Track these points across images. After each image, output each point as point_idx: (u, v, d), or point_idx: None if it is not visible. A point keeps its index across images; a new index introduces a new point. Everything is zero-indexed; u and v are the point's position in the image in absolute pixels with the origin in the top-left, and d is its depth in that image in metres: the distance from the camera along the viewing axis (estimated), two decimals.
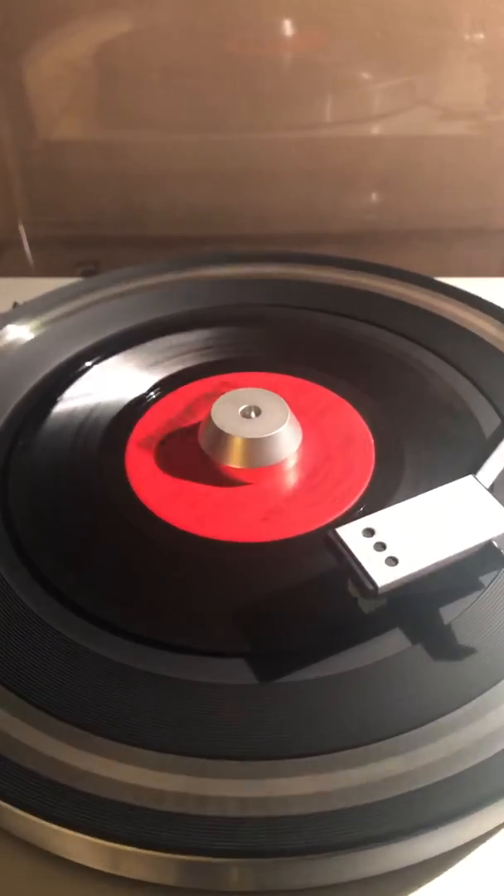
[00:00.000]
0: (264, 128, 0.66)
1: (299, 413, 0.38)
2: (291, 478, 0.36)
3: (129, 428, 0.39)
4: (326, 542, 0.29)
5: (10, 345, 0.45)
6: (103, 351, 0.44)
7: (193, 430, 0.38)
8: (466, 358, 0.43)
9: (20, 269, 0.71)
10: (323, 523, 0.34)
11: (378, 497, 0.35)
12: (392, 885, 0.25)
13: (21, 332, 0.46)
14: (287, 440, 0.36)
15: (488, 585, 0.31)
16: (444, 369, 0.42)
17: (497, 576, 0.31)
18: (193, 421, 0.39)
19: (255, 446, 0.36)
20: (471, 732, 0.26)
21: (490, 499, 0.30)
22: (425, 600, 0.30)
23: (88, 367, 0.43)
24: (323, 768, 0.25)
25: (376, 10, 0.59)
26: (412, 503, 0.30)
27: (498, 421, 0.39)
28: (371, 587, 0.27)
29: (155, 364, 0.44)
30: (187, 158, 0.67)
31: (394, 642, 0.29)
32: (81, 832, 0.24)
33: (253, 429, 0.36)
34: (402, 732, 0.26)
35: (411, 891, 0.25)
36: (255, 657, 0.28)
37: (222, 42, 0.61)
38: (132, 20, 0.61)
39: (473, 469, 0.34)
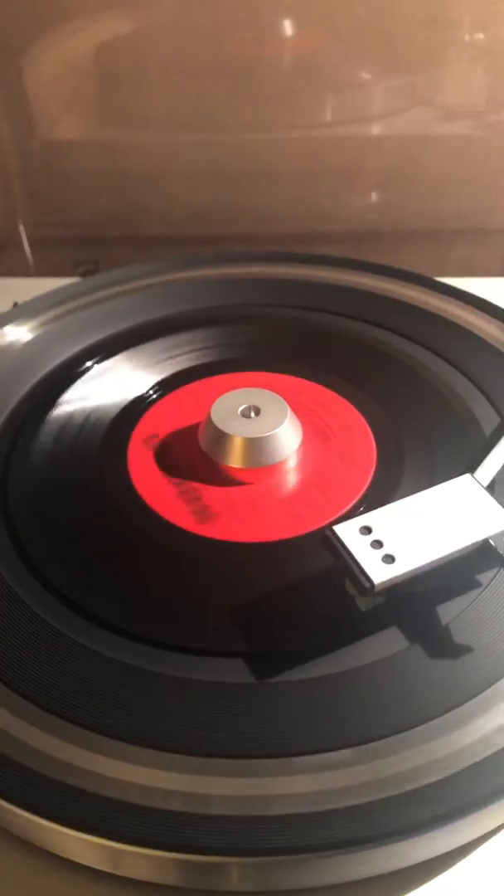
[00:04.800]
0: (264, 128, 0.66)
1: (299, 413, 0.38)
2: (291, 477, 0.36)
3: (130, 428, 0.39)
4: (324, 541, 0.29)
5: (10, 345, 0.45)
6: (103, 351, 0.44)
7: (193, 429, 0.38)
8: (466, 358, 0.43)
9: (20, 269, 0.71)
10: (323, 523, 0.34)
11: (378, 496, 0.35)
12: (392, 885, 0.25)
13: (21, 332, 0.46)
14: (287, 440, 0.36)
15: (487, 585, 0.31)
16: (444, 369, 0.42)
17: (495, 575, 0.31)
18: (193, 420, 0.39)
19: (254, 446, 0.36)
20: (470, 732, 0.26)
21: (487, 497, 0.30)
22: (424, 600, 0.30)
23: (88, 367, 0.43)
24: (322, 767, 0.25)
25: (376, 11, 0.59)
26: (409, 501, 0.30)
27: (497, 420, 0.39)
28: (367, 585, 0.27)
29: (155, 364, 0.44)
30: (187, 158, 0.67)
31: (393, 642, 0.29)
32: (82, 832, 0.24)
33: (252, 428, 0.36)
34: (401, 731, 0.26)
35: (411, 891, 0.25)
36: (254, 656, 0.28)
37: (222, 42, 0.61)
38: (132, 20, 0.61)
39: (474, 469, 0.34)
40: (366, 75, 0.64)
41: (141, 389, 0.42)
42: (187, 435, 0.38)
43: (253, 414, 0.37)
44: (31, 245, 0.71)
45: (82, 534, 0.34)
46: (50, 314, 0.48)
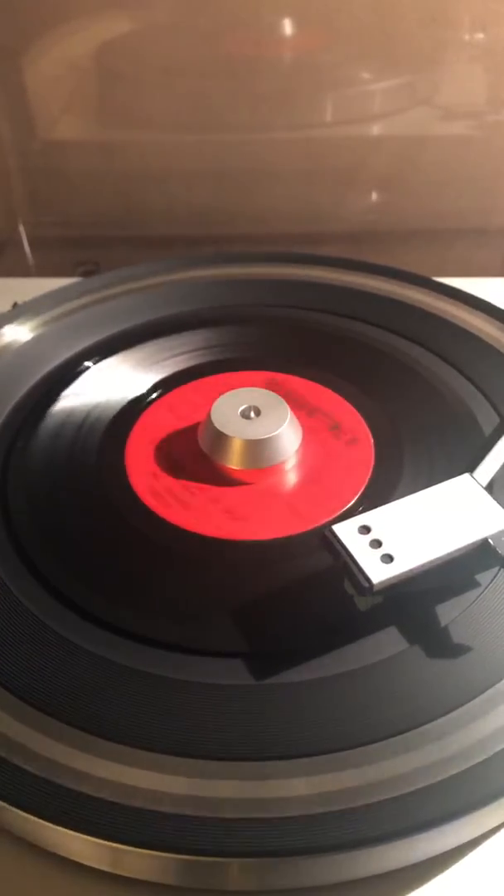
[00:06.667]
0: (264, 128, 0.66)
1: (299, 413, 0.38)
2: (291, 478, 0.36)
3: (129, 428, 0.39)
4: (323, 540, 0.29)
5: (10, 345, 0.45)
6: (103, 351, 0.44)
7: (193, 430, 0.38)
8: (466, 358, 0.43)
9: (20, 269, 0.71)
10: (322, 522, 0.34)
11: (378, 496, 0.35)
12: (392, 885, 0.25)
13: (21, 332, 0.46)
14: (286, 441, 0.36)
15: (487, 585, 0.31)
16: (443, 369, 0.42)
17: (495, 575, 0.31)
18: (193, 420, 0.39)
19: (254, 448, 0.36)
20: (470, 732, 0.26)
21: (486, 497, 0.30)
22: (423, 600, 0.30)
23: (88, 367, 0.43)
24: (322, 768, 0.25)
25: (376, 10, 0.59)
26: (408, 501, 0.30)
27: (496, 420, 0.39)
28: (366, 584, 0.27)
29: (155, 364, 0.44)
30: (187, 158, 0.67)
31: (392, 642, 0.29)
32: (81, 832, 0.24)
33: (252, 429, 0.36)
34: (401, 732, 0.26)
35: (411, 891, 0.25)
36: (253, 657, 0.28)
37: (222, 42, 0.61)
38: (132, 20, 0.61)
39: (473, 468, 0.34)
40: (366, 75, 0.63)
41: (141, 389, 0.42)
42: (187, 435, 0.38)
43: (253, 414, 0.37)
44: (31, 245, 0.71)
45: (81, 534, 0.34)
46: (50, 314, 0.48)
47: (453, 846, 0.25)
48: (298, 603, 0.31)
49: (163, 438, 0.39)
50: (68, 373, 0.43)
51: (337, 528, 0.29)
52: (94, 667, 0.28)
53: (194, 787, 0.25)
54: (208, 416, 0.37)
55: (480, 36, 0.60)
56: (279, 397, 0.38)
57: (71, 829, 0.24)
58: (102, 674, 0.28)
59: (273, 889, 0.25)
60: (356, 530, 0.29)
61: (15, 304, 0.49)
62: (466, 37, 0.60)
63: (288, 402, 0.37)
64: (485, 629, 0.29)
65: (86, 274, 0.64)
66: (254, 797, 0.24)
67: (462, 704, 0.27)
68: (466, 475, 0.31)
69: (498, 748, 0.25)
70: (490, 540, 0.29)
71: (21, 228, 0.70)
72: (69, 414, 0.40)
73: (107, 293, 0.50)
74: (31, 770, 0.25)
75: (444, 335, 0.45)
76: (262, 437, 0.36)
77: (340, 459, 0.37)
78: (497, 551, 0.29)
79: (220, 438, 0.36)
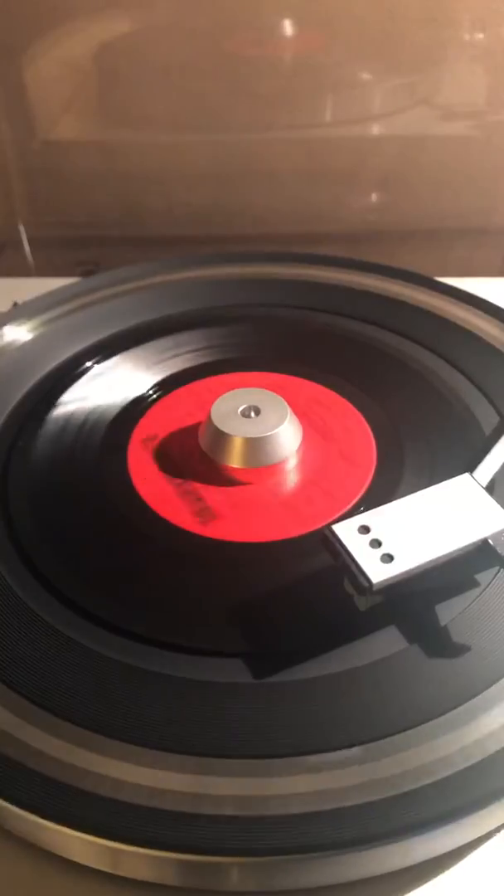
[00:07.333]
0: (264, 128, 0.66)
1: (299, 413, 0.38)
2: (292, 477, 0.36)
3: (130, 428, 0.39)
4: (323, 540, 0.29)
5: (10, 345, 0.45)
6: (103, 351, 0.44)
7: (194, 429, 0.38)
8: (466, 358, 0.43)
9: (20, 269, 0.71)
10: (323, 522, 0.33)
11: (378, 496, 0.35)
12: (392, 885, 0.25)
13: (21, 332, 0.46)
14: (286, 439, 0.36)
15: (487, 585, 0.31)
16: (444, 369, 0.42)
17: (495, 575, 0.31)
18: (193, 421, 0.39)
19: (254, 446, 0.36)
20: (469, 732, 0.26)
21: (486, 497, 0.30)
22: (423, 600, 0.30)
23: (89, 367, 0.43)
24: (321, 768, 0.25)
25: (376, 11, 0.59)
26: (408, 500, 0.30)
27: (497, 420, 0.39)
28: (366, 584, 0.27)
29: (155, 364, 0.44)
30: (187, 158, 0.67)
31: (392, 642, 0.29)
32: (81, 831, 0.24)
33: (252, 428, 0.36)
34: (400, 731, 0.26)
35: (411, 891, 0.25)
36: (253, 656, 0.28)
37: (222, 42, 0.61)
38: (132, 20, 0.61)
39: (473, 468, 0.34)
40: (366, 75, 0.64)
41: (141, 389, 0.42)
42: (187, 435, 0.38)
43: (253, 414, 0.37)
44: (31, 245, 0.71)
45: (82, 534, 0.34)
46: (50, 314, 0.48)
47: (453, 846, 0.25)
48: (298, 603, 0.31)
49: (163, 438, 0.39)
50: (69, 373, 0.43)
51: (337, 527, 0.29)
52: (94, 665, 0.28)
53: (194, 786, 0.25)
54: (208, 415, 0.37)
55: (480, 36, 0.60)
56: (279, 397, 0.38)
57: (71, 828, 0.24)
58: (103, 672, 0.28)
59: (273, 889, 0.25)
60: (356, 530, 0.29)
61: (15, 304, 0.49)
62: (466, 37, 0.60)
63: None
64: (484, 629, 0.29)
65: (86, 274, 0.63)
66: (254, 796, 0.24)
67: (461, 703, 0.27)
68: (466, 475, 0.31)
69: (497, 748, 0.25)
70: (490, 540, 0.29)
71: (21, 228, 0.70)
72: (70, 414, 0.40)
73: (107, 293, 0.50)
74: (31, 768, 0.25)
75: (444, 335, 0.45)
76: (262, 435, 0.36)
77: (341, 459, 0.37)
78: (497, 551, 0.29)
79: (220, 438, 0.36)
